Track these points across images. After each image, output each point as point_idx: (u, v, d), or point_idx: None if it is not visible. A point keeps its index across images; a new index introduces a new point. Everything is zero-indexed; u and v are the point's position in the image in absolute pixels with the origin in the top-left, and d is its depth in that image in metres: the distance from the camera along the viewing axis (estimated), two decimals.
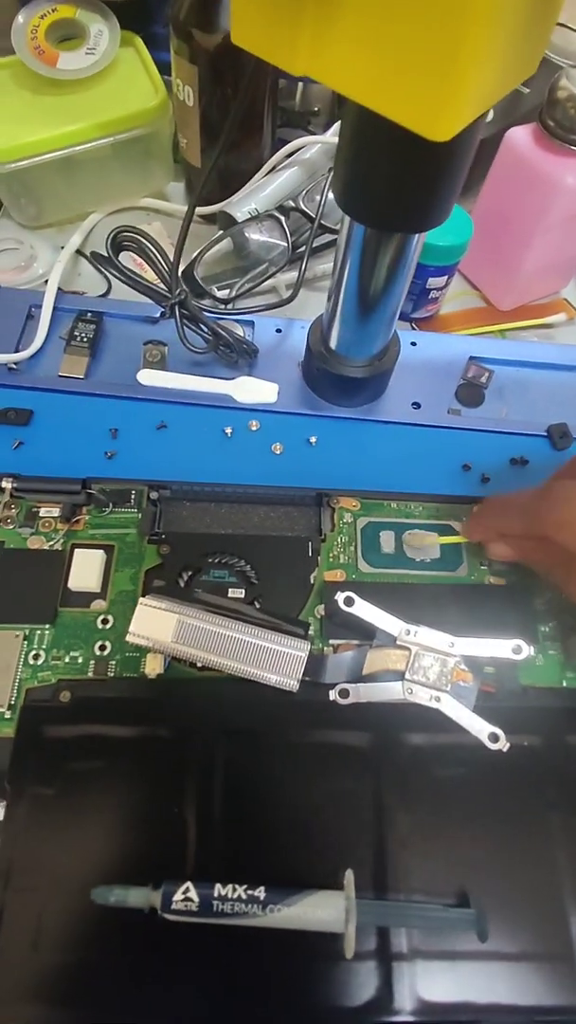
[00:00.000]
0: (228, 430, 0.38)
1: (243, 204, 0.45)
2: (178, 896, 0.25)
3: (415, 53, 0.19)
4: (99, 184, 0.47)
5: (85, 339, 0.41)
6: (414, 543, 0.35)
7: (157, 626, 0.30)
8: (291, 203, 0.44)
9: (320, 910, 0.25)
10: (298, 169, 0.46)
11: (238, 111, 0.33)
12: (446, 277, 0.43)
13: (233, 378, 0.40)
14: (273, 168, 0.46)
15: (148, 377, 0.39)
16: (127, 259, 0.39)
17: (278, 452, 0.38)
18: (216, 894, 0.25)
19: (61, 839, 0.27)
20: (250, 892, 0.25)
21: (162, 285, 0.38)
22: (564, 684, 0.32)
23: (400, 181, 0.25)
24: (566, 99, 0.37)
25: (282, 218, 0.44)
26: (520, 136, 0.39)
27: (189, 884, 0.25)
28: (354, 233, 0.30)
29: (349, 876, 0.26)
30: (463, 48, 0.19)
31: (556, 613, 0.34)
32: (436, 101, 0.20)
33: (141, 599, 0.30)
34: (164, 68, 0.44)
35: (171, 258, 0.37)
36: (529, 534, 0.30)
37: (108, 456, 0.37)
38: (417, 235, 0.29)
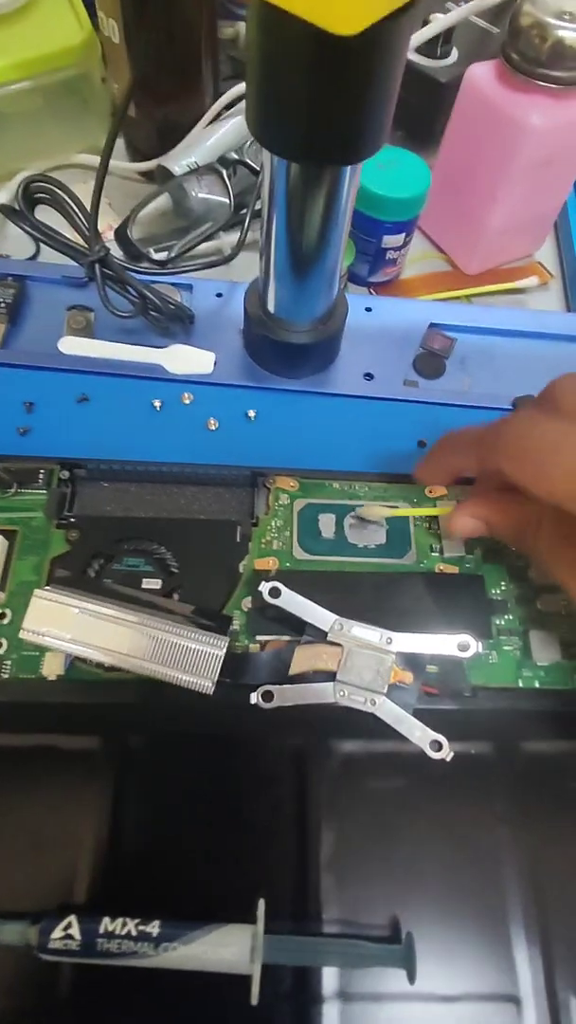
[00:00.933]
0: (157, 403, 0.35)
1: (181, 157, 0.41)
2: (57, 933, 0.22)
3: None
4: (29, 138, 0.43)
5: (3, 304, 0.37)
6: (366, 514, 0.31)
7: (55, 621, 0.26)
8: (234, 155, 0.40)
9: (223, 948, 0.22)
10: (241, 119, 0.42)
11: (152, 36, 0.29)
12: (404, 235, 0.39)
13: (166, 347, 0.36)
14: (216, 119, 0.42)
15: (70, 346, 0.36)
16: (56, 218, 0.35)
17: (213, 428, 0.34)
18: (102, 930, 0.22)
19: None
20: (141, 928, 0.22)
21: (82, 242, 0.34)
22: (520, 684, 0.28)
23: (314, 97, 0.21)
24: (530, 26, 0.32)
25: (224, 171, 0.40)
26: (481, 73, 0.35)
27: (72, 918, 0.22)
28: (277, 172, 0.26)
29: (261, 907, 0.23)
30: None
31: (518, 603, 0.30)
32: None
33: (36, 591, 0.26)
34: (94, 9, 0.40)
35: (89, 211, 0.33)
36: (483, 468, 0.27)
37: (21, 432, 0.33)
38: (349, 170, 0.26)
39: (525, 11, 0.33)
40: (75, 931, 0.22)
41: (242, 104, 0.42)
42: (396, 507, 0.32)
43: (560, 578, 0.26)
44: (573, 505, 0.22)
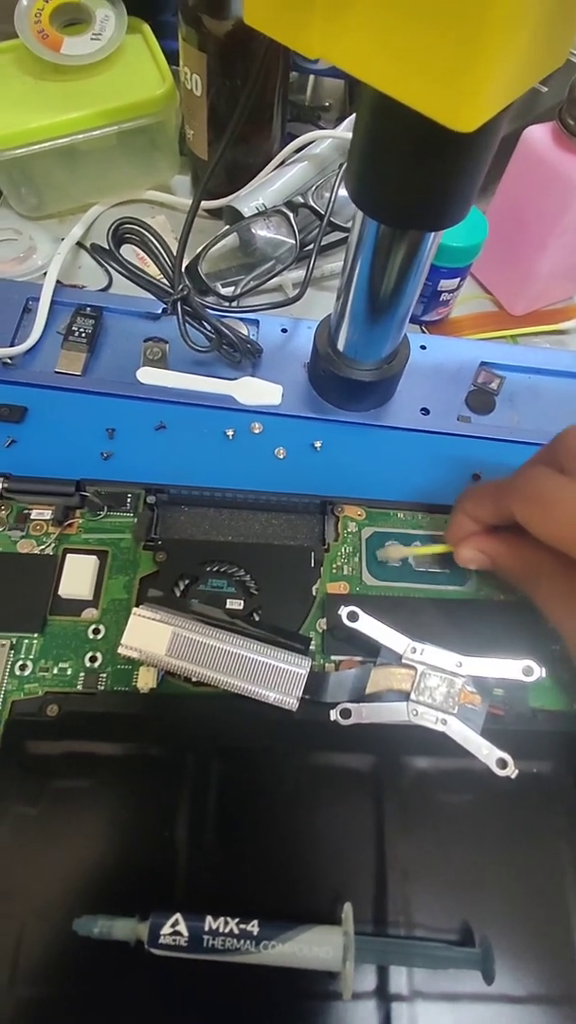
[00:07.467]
0: (229, 432, 0.37)
1: (250, 199, 0.43)
2: (166, 929, 0.23)
3: (438, 37, 0.18)
4: (102, 175, 0.46)
5: (83, 334, 0.39)
6: (389, 556, 0.33)
7: (150, 638, 0.28)
8: (300, 199, 0.43)
9: (317, 947, 0.23)
10: (307, 164, 0.44)
11: (247, 101, 0.32)
12: (458, 279, 0.42)
13: (236, 378, 0.39)
14: (282, 163, 0.45)
15: (148, 376, 0.38)
16: (130, 253, 0.38)
17: (281, 456, 0.37)
18: (207, 928, 0.24)
19: (43, 863, 0.26)
20: (243, 926, 0.24)
21: (164, 280, 0.37)
22: (575, 708, 0.31)
23: (418, 175, 0.24)
24: None
25: (290, 214, 0.42)
26: (538, 135, 0.38)
27: (178, 916, 0.24)
28: (367, 230, 0.28)
29: (348, 910, 0.25)
30: (491, 32, 0.17)
31: None
32: (461, 89, 0.19)
33: (134, 609, 0.28)
34: (173, 58, 0.43)
35: (174, 252, 0.36)
36: (498, 516, 0.28)
37: (104, 457, 0.35)
38: (433, 234, 0.28)
39: None
40: (182, 928, 0.23)
41: (308, 149, 0.45)
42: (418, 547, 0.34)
43: (556, 621, 0.28)
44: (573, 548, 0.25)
